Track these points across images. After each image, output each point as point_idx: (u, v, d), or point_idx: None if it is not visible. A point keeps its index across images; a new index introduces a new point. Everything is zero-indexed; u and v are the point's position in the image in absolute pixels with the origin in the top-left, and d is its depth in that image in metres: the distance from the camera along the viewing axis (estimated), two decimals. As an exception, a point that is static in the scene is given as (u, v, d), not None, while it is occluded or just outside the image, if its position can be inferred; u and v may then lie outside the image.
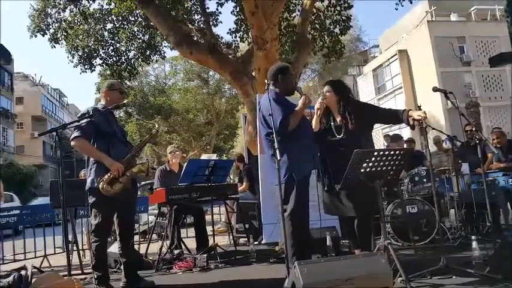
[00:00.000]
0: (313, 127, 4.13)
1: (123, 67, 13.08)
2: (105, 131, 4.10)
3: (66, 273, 3.98)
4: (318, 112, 4.12)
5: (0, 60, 31.67)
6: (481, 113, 19.78)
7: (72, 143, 4.00)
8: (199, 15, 12.25)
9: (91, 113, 4.07)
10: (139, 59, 13.22)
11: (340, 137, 4.09)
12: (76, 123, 4.04)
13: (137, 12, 12.30)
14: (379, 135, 24.41)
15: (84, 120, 4.01)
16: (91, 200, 4.06)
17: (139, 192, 6.96)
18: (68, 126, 4.26)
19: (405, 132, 18.73)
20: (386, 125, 22.88)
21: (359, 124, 4.05)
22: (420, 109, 4.02)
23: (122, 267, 4.33)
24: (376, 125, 4.54)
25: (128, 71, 13.16)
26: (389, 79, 29.98)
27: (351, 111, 4.10)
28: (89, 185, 4.04)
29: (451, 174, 6.64)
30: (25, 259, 6.42)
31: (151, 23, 11.54)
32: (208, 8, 11.88)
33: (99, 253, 4.03)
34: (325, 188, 4.12)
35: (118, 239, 4.29)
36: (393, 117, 4.23)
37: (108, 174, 3.93)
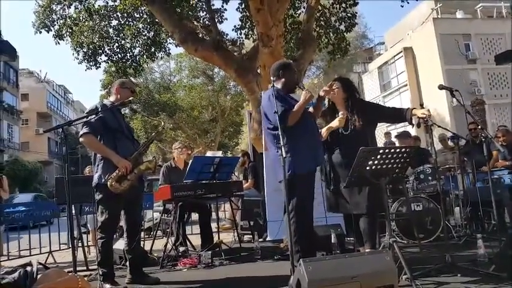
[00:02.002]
0: (323, 135, 4.14)
1: (128, 64, 13.08)
2: (112, 127, 4.11)
3: (71, 269, 4.00)
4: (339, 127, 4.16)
5: (5, 57, 31.68)
6: (486, 110, 19.72)
7: (81, 139, 4.02)
8: (205, 12, 12.22)
9: (99, 109, 4.09)
10: (145, 56, 13.18)
11: (346, 133, 4.12)
12: (84, 119, 4.05)
13: (142, 9, 12.28)
14: (381, 132, 24.29)
15: (93, 116, 4.02)
16: (98, 196, 4.07)
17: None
18: (74, 123, 4.28)
19: (410, 130, 18.65)
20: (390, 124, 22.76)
21: (364, 123, 4.08)
22: (423, 107, 4.03)
23: (127, 263, 4.35)
24: (380, 123, 4.56)
25: (133, 67, 13.17)
26: (395, 76, 29.82)
27: (357, 109, 4.14)
28: (96, 181, 4.05)
29: (456, 172, 6.62)
30: (30, 255, 6.46)
31: (157, 20, 11.53)
32: (213, 4, 11.87)
33: (105, 250, 4.05)
34: (330, 186, 4.14)
35: (125, 235, 4.30)
36: (397, 115, 4.25)
37: (116, 171, 3.95)
